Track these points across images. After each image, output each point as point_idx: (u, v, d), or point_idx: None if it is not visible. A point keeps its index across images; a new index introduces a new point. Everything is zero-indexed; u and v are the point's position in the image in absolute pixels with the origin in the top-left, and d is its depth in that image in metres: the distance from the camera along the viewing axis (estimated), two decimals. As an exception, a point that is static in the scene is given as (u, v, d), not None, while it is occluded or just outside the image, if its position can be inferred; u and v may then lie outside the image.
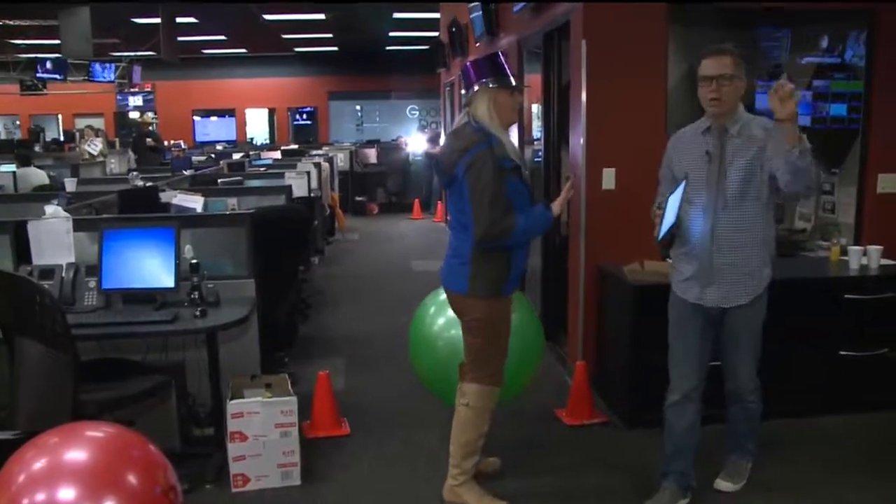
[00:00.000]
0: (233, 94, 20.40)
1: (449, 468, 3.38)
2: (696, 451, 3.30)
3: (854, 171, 4.74)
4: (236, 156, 11.37)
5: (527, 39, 6.07)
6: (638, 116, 4.40)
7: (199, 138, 20.15)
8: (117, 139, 17.60)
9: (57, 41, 11.02)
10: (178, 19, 12.21)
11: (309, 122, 20.87)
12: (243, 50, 18.77)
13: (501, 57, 3.29)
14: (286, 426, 3.53)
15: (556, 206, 3.34)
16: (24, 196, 6.34)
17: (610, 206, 4.43)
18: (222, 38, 16.30)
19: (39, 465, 2.13)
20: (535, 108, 6.56)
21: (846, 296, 4.12)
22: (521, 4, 5.65)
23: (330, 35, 16.31)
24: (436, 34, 12.99)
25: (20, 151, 9.56)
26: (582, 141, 4.47)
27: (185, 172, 8.29)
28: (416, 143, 15.30)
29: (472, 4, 7.54)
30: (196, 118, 20.65)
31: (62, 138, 17.78)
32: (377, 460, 3.88)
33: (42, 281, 3.45)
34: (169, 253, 3.64)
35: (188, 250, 3.85)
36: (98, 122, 18.21)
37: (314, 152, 12.12)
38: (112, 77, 16.01)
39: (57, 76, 15.17)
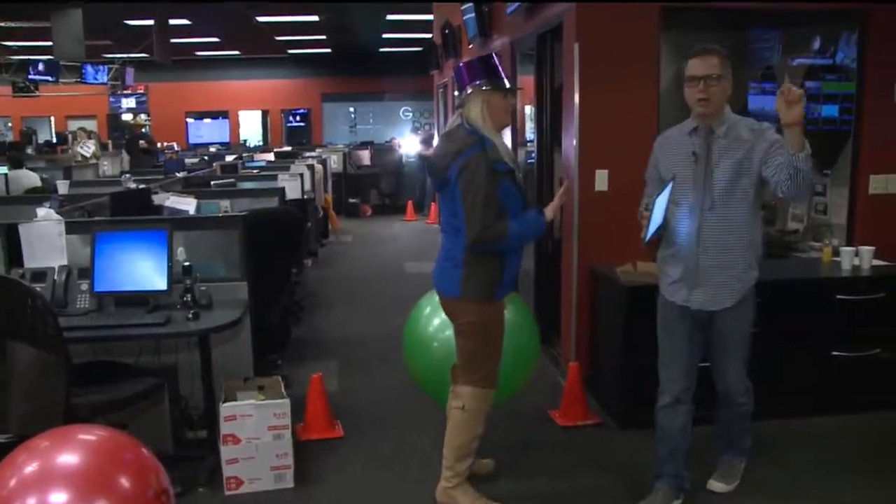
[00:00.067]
0: (226, 96, 20.39)
1: (442, 470, 3.38)
2: (689, 451, 3.31)
3: (846, 173, 4.76)
4: (229, 158, 11.38)
5: (520, 41, 6.07)
6: (630, 118, 4.40)
7: (192, 140, 20.14)
8: (110, 141, 17.59)
9: (49, 43, 10.98)
10: (172, 21, 12.18)
11: (302, 124, 20.87)
12: (236, 52, 18.74)
13: (495, 58, 3.27)
14: (279, 429, 3.53)
15: (550, 212, 3.32)
16: (16, 198, 6.33)
17: (603, 207, 4.44)
18: (215, 39, 16.27)
19: (31, 468, 2.12)
20: (528, 110, 6.58)
21: (838, 296, 4.13)
22: (514, 6, 5.65)
23: (323, 37, 16.31)
24: (429, 36, 13.00)
25: (12, 153, 9.55)
26: (575, 143, 4.47)
27: (178, 174, 8.29)
28: (409, 144, 15.30)
29: (465, 6, 7.54)
30: (189, 120, 20.63)
31: (55, 140, 17.72)
32: (370, 462, 3.88)
33: (34, 284, 3.43)
34: (161, 255, 3.63)
35: (181, 253, 3.84)
36: (91, 124, 18.20)
37: (307, 154, 12.12)
38: (105, 79, 15.98)
39: (49, 78, 15.14)
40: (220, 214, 5.12)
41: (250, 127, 21.02)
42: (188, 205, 5.14)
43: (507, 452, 3.85)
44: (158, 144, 17.05)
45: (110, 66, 15.94)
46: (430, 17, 12.41)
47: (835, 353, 4.17)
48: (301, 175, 7.87)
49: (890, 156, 4.63)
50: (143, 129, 19.68)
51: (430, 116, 17.95)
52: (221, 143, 18.98)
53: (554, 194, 3.62)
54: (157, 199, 5.27)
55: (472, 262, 3.15)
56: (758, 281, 3.17)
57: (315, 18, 13.43)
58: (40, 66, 14.91)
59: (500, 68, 3.23)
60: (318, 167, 9.94)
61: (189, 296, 3.61)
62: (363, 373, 5.23)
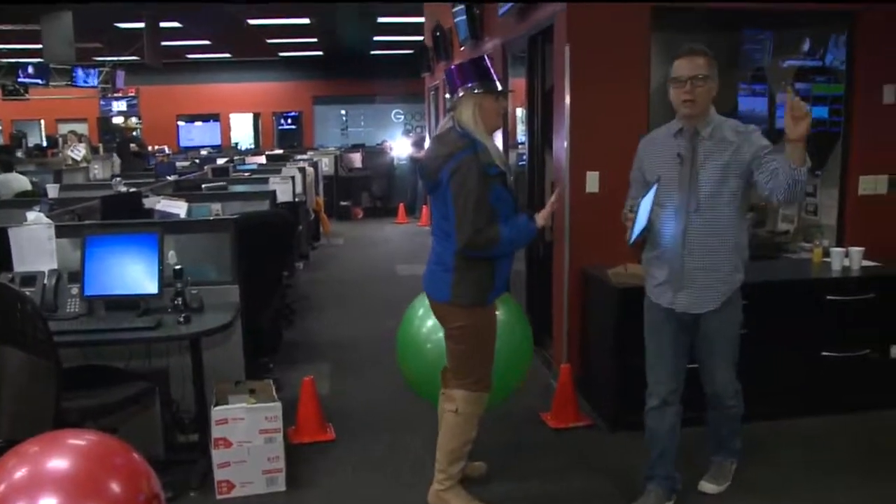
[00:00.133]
0: (217, 99, 20.33)
1: (435, 473, 3.37)
2: (679, 453, 3.31)
3: (836, 174, 4.78)
4: (220, 161, 11.36)
5: (511, 43, 6.08)
6: (621, 120, 4.41)
7: (183, 143, 20.08)
8: (101, 144, 17.53)
9: (39, 45, 10.95)
10: (162, 24, 12.16)
11: (294, 127, 20.84)
12: (228, 55, 18.70)
13: (487, 60, 3.25)
14: (271, 432, 3.52)
15: (541, 219, 3.29)
16: (6, 202, 6.29)
17: (594, 209, 4.44)
18: (206, 42, 16.24)
19: (21, 473, 2.11)
20: (520, 112, 6.58)
21: (828, 297, 4.14)
22: (506, 7, 5.66)
23: (315, 39, 16.29)
24: (420, 38, 13.00)
25: (2, 157, 9.46)
26: (566, 144, 4.48)
27: (169, 178, 8.26)
28: (400, 147, 15.31)
29: (457, 8, 7.54)
30: (180, 123, 20.57)
31: (45, 144, 17.65)
32: (362, 465, 3.87)
33: (24, 288, 3.42)
34: (152, 259, 3.62)
35: (172, 256, 3.83)
36: (81, 128, 18.13)
37: (299, 157, 12.10)
38: (95, 82, 15.93)
39: (39, 81, 15.09)
40: (211, 218, 5.11)
41: (241, 130, 20.98)
42: (179, 208, 5.13)
43: (499, 454, 3.85)
44: (149, 148, 17.01)
45: (101, 68, 15.89)
46: (422, 19, 12.42)
47: (825, 353, 4.18)
48: (292, 178, 7.87)
49: (879, 157, 4.66)
50: (134, 133, 19.61)
51: (422, 119, 17.97)
52: (212, 147, 18.94)
53: (545, 197, 3.60)
54: (148, 202, 5.26)
55: (463, 266, 3.14)
56: (746, 282, 3.17)
57: (306, 21, 13.43)
58: (30, 69, 14.86)
59: (491, 71, 3.21)
60: (310, 170, 9.94)
61: (180, 299, 3.60)
62: (355, 375, 5.23)
